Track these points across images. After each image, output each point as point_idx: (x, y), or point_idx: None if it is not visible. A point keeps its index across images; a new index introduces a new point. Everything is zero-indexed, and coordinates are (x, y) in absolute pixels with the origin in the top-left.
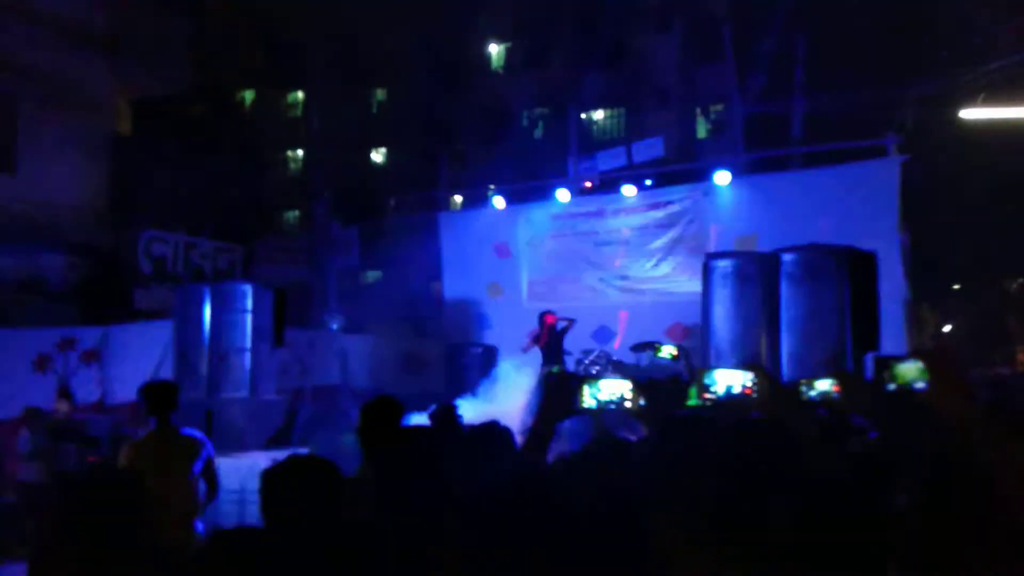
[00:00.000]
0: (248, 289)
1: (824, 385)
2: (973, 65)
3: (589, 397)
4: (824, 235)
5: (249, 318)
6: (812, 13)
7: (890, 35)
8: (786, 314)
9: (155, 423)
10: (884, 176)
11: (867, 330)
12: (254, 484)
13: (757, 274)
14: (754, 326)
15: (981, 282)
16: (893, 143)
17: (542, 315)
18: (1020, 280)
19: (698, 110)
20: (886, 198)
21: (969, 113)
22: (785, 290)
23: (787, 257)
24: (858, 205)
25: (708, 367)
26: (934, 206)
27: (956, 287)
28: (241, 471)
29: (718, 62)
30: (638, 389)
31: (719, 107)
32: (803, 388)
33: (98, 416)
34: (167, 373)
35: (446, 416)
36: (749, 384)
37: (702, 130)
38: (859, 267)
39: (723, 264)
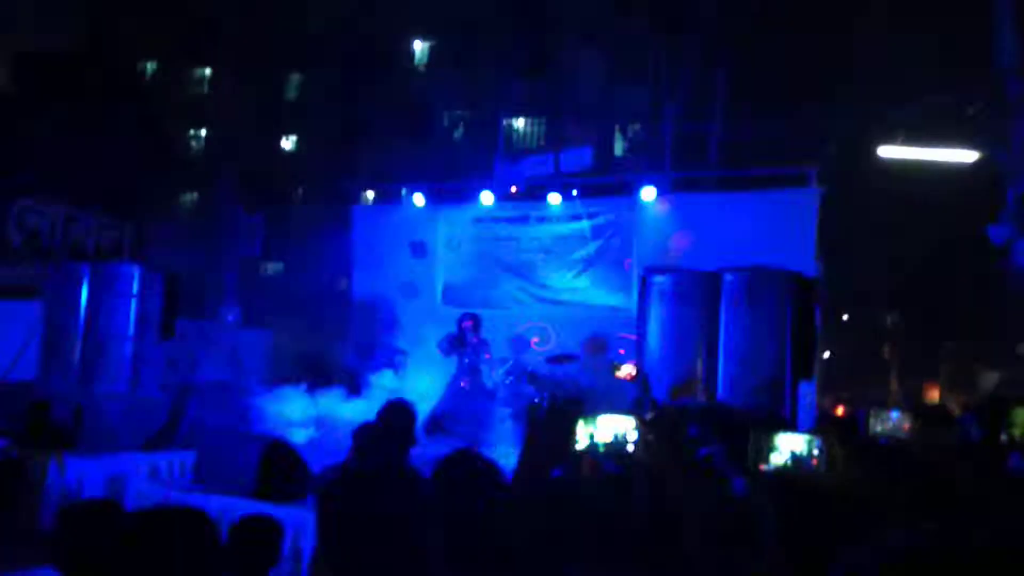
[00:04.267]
0: (135, 271)
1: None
2: (896, 104)
3: (584, 436)
4: (742, 257)
5: (134, 303)
6: (739, 41)
7: (817, 68)
8: (724, 336)
9: None
10: (804, 204)
11: (804, 358)
12: (124, 490)
13: (696, 293)
14: (691, 347)
15: (861, 313)
16: (814, 173)
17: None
18: (895, 313)
19: (617, 127)
20: (805, 226)
21: (885, 151)
22: (725, 311)
23: (729, 277)
24: (778, 231)
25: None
26: (835, 236)
27: (844, 317)
28: (110, 476)
29: (640, 81)
30: (644, 426)
31: (637, 126)
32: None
33: None
34: (31, 359)
35: (399, 419)
36: (816, 452)
37: (619, 147)
38: (801, 293)
39: (661, 280)
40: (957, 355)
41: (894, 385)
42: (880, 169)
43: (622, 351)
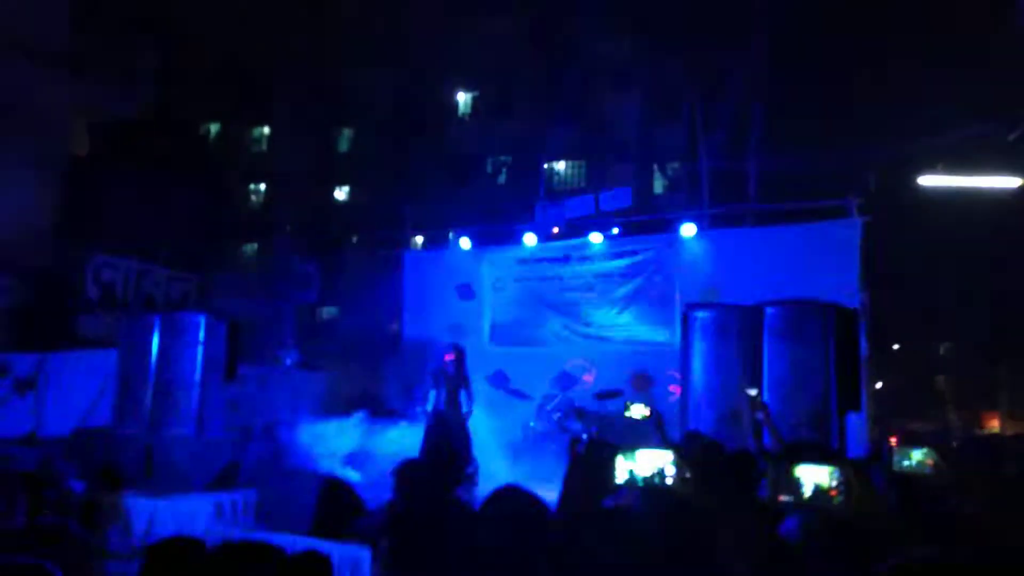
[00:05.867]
0: (201, 320)
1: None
2: (934, 134)
3: (623, 471)
4: (785, 291)
5: (201, 350)
6: (779, 75)
7: (855, 99)
8: (768, 370)
9: None
10: (846, 236)
11: (850, 390)
12: (192, 528)
13: (738, 327)
14: (734, 381)
15: (914, 343)
16: (855, 204)
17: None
18: (949, 344)
19: (656, 166)
20: (847, 257)
21: (926, 180)
22: (768, 345)
23: (771, 311)
24: (820, 263)
25: (687, 422)
26: (882, 268)
27: (895, 347)
28: (179, 515)
29: (677, 120)
30: (683, 462)
31: (676, 164)
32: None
33: (26, 450)
34: (107, 405)
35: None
36: (835, 484)
37: (659, 185)
38: (844, 324)
39: (703, 315)
40: (1015, 383)
41: (952, 415)
42: (926, 197)
43: (673, 387)
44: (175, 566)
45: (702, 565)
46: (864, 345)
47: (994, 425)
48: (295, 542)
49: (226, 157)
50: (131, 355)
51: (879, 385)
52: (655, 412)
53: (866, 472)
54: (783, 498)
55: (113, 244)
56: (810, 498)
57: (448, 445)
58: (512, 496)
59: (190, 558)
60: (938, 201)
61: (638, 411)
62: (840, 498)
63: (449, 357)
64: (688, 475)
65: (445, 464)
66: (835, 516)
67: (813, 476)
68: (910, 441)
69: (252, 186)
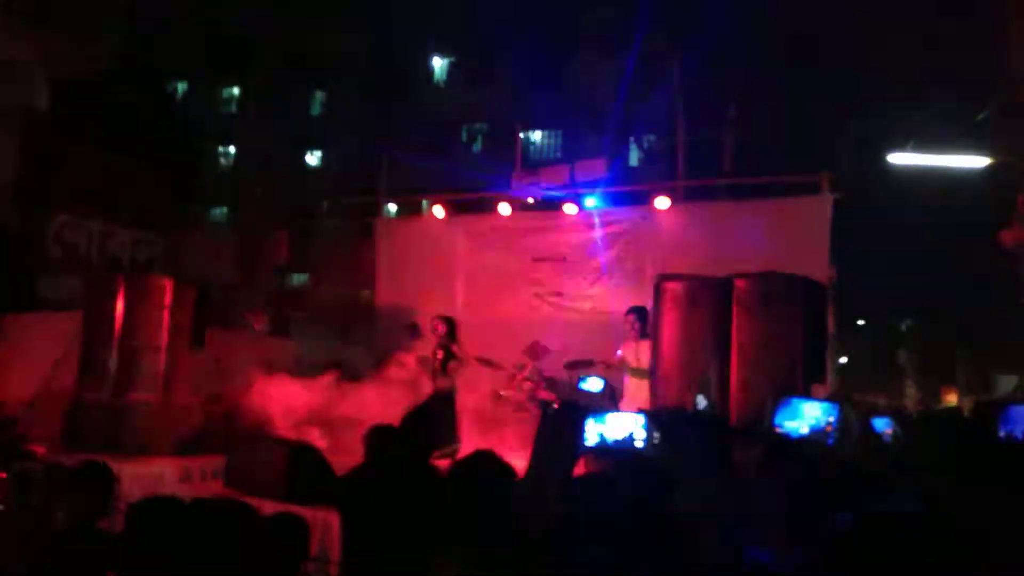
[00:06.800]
0: (168, 283)
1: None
2: (905, 112)
3: (593, 434)
4: (756, 264)
5: (167, 314)
6: (754, 51)
7: (829, 77)
8: (737, 341)
9: None
10: (817, 211)
11: (817, 363)
12: (156, 493)
13: (709, 298)
14: (704, 351)
15: (878, 319)
16: (826, 179)
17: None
18: (911, 320)
19: (632, 138)
20: (818, 233)
21: (896, 158)
22: (737, 316)
23: (741, 283)
24: (791, 237)
25: (656, 392)
26: (851, 244)
27: (861, 322)
28: (145, 480)
29: (655, 92)
30: (653, 424)
31: (652, 136)
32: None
33: None
34: (71, 369)
35: (422, 424)
36: (831, 421)
37: (635, 157)
38: (812, 298)
39: (674, 286)
40: (974, 359)
41: (911, 389)
42: (895, 175)
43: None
44: (160, 525)
45: (671, 530)
46: (831, 319)
47: (952, 400)
48: (264, 508)
49: (195, 117)
50: (95, 318)
51: (844, 360)
52: (608, 385)
53: (869, 419)
54: (779, 430)
55: (76, 204)
56: (806, 434)
57: (429, 413)
58: (481, 462)
59: (169, 516)
60: (907, 179)
61: (593, 384)
62: (836, 435)
63: (440, 329)
64: (657, 439)
65: (421, 432)
66: (826, 455)
67: (813, 412)
68: (872, 413)
69: (221, 148)
